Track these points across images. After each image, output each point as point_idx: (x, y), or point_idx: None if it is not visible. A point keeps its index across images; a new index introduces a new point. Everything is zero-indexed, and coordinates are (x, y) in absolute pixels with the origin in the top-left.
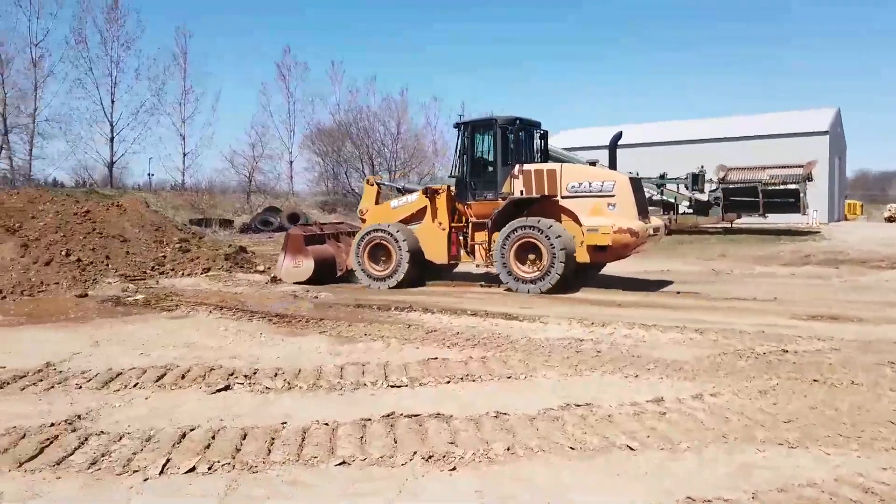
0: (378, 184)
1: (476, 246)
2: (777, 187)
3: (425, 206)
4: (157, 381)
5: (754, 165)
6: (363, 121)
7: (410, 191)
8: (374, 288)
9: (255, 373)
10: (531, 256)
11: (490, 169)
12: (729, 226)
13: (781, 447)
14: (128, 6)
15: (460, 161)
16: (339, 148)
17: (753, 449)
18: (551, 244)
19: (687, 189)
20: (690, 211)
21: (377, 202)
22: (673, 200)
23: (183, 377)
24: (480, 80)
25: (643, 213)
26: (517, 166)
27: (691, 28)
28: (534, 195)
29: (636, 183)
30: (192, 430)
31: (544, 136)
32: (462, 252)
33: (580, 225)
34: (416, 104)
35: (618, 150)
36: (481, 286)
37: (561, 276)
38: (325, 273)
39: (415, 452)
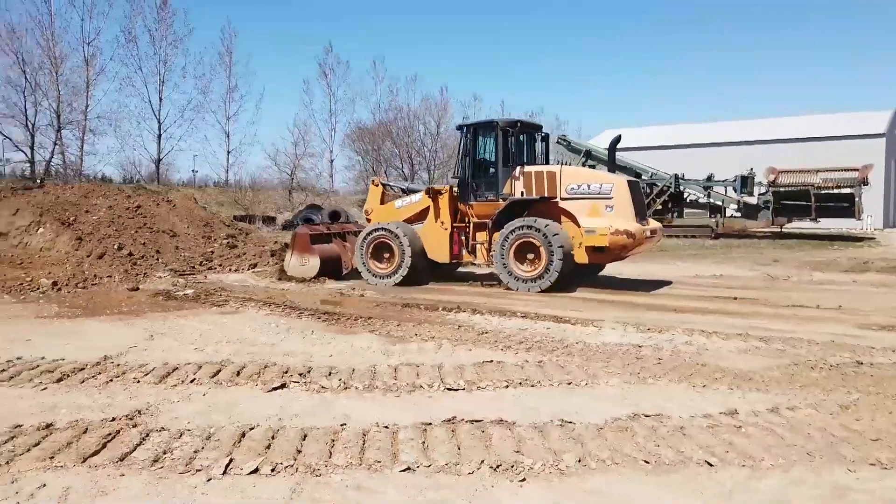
0: (383, 184)
1: (477, 245)
2: (831, 191)
3: (428, 206)
4: (213, 376)
5: (806, 168)
6: (403, 120)
7: (414, 191)
8: (377, 285)
9: (309, 371)
10: (530, 256)
11: (491, 170)
12: (779, 230)
13: (874, 468)
14: (176, 5)
15: (462, 162)
16: (378, 147)
17: (843, 469)
18: (549, 244)
19: (735, 192)
20: (738, 214)
21: (382, 202)
22: (720, 203)
23: (238, 374)
24: (519, 79)
25: (641, 216)
26: (518, 168)
27: (737, 27)
28: (534, 196)
29: (634, 185)
30: (251, 428)
31: (546, 139)
32: (464, 251)
33: (579, 226)
34: (457, 102)
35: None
36: (482, 285)
37: (559, 275)
38: (331, 271)
39: (482, 461)
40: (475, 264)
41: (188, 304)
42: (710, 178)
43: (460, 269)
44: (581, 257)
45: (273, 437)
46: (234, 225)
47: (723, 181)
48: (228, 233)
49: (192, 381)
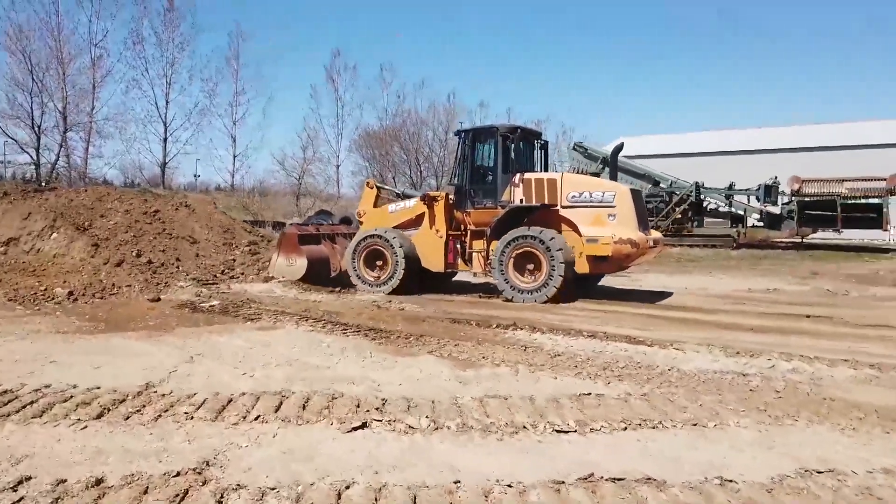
0: (378, 187)
1: (474, 254)
2: (858, 201)
3: (423, 213)
4: (276, 410)
5: (831, 177)
6: (412, 125)
7: (409, 196)
8: (368, 292)
9: (384, 403)
10: (530, 266)
11: (490, 177)
12: (800, 241)
13: None
14: (184, 8)
15: (460, 169)
16: (386, 152)
17: None
18: (550, 255)
19: (758, 201)
20: (761, 224)
21: (375, 205)
22: (742, 213)
23: (304, 407)
24: (525, 88)
25: (643, 225)
26: (517, 175)
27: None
28: (534, 204)
29: (637, 194)
30: (346, 487)
31: (545, 146)
32: (459, 260)
33: (580, 235)
34: (463, 109)
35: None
36: (479, 297)
37: (559, 286)
38: (319, 273)
39: None
40: (474, 273)
41: (218, 318)
42: (731, 187)
43: (455, 279)
44: (582, 267)
45: (377, 500)
46: (255, 231)
47: (745, 190)
48: (250, 240)
49: (255, 419)
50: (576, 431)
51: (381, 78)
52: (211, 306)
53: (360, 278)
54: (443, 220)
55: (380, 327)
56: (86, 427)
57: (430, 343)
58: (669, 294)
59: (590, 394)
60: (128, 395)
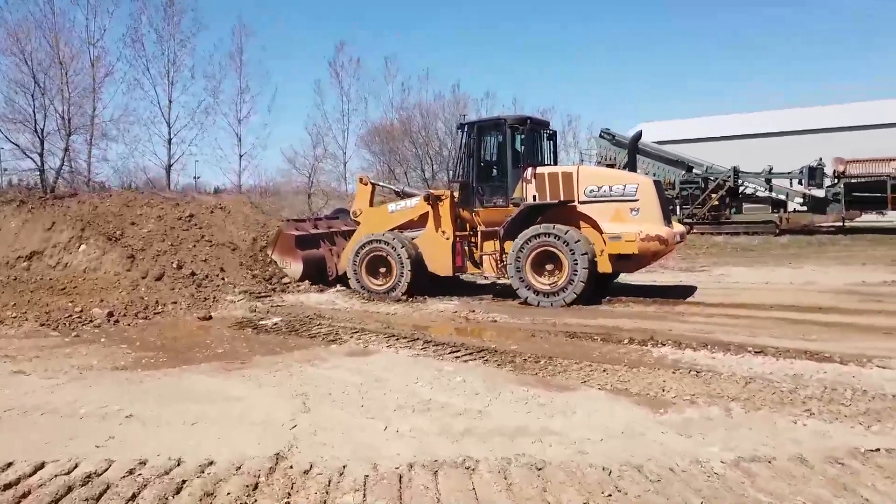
0: (372, 183)
1: (485, 257)
2: None
3: (426, 213)
4: (476, 497)
5: (878, 157)
6: (422, 118)
7: (410, 195)
8: (375, 299)
9: (614, 477)
10: (549, 267)
11: (499, 173)
12: (842, 224)
13: None
14: (184, 3)
15: (465, 165)
16: (396, 147)
17: None
18: (572, 253)
19: (800, 184)
20: (803, 208)
21: (371, 203)
22: (783, 197)
23: (509, 488)
24: (533, 74)
25: (667, 218)
26: (529, 169)
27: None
28: (549, 200)
29: (659, 186)
30: None
31: (553, 137)
32: (468, 263)
33: (601, 232)
34: (471, 99)
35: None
36: (493, 299)
37: (583, 287)
38: (315, 277)
39: None
40: (485, 277)
41: (293, 341)
42: (770, 171)
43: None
44: (604, 266)
45: None
46: None
47: (787, 174)
48: None
49: None
50: None
51: (385, 71)
52: (274, 324)
53: (363, 286)
54: (448, 220)
55: (492, 347)
56: None
57: (570, 369)
58: (777, 291)
59: (878, 449)
60: (259, 477)
